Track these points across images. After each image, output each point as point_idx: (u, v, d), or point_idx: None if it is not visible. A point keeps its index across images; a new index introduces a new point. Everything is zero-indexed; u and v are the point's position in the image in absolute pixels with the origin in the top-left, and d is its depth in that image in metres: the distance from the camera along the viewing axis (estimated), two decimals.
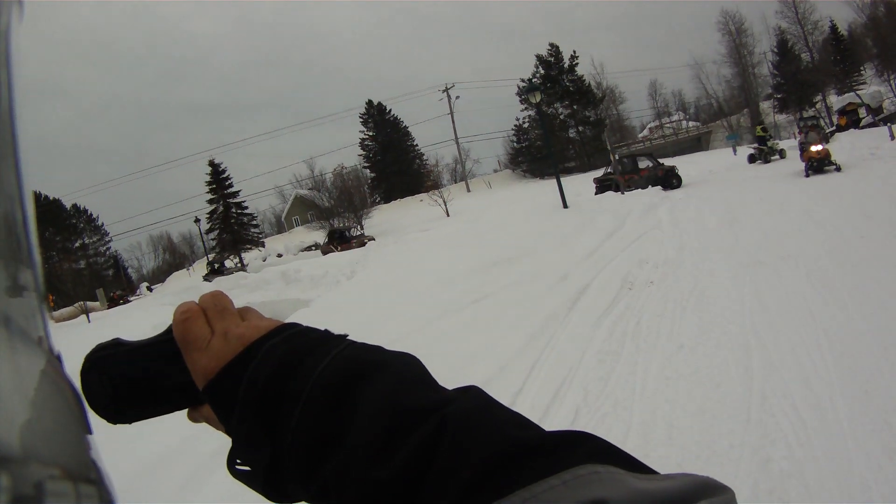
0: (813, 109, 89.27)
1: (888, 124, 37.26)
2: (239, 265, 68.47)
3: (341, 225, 57.93)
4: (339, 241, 52.35)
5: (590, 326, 10.16)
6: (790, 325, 8.49)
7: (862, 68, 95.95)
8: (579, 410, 7.03)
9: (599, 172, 48.38)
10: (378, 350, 0.80)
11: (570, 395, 7.54)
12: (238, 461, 0.76)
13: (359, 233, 51.44)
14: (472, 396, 0.68)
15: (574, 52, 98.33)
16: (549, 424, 6.69)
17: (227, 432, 0.78)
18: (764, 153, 40.11)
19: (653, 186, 34.38)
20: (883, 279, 9.59)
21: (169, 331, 0.85)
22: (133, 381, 0.84)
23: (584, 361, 8.62)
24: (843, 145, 31.60)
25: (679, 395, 6.94)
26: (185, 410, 0.87)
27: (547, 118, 76.65)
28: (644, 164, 38.92)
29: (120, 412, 0.86)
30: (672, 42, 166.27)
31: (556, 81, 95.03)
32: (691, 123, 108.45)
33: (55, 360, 1.01)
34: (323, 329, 0.86)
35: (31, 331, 0.95)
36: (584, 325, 10.33)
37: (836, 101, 69.82)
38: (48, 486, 0.75)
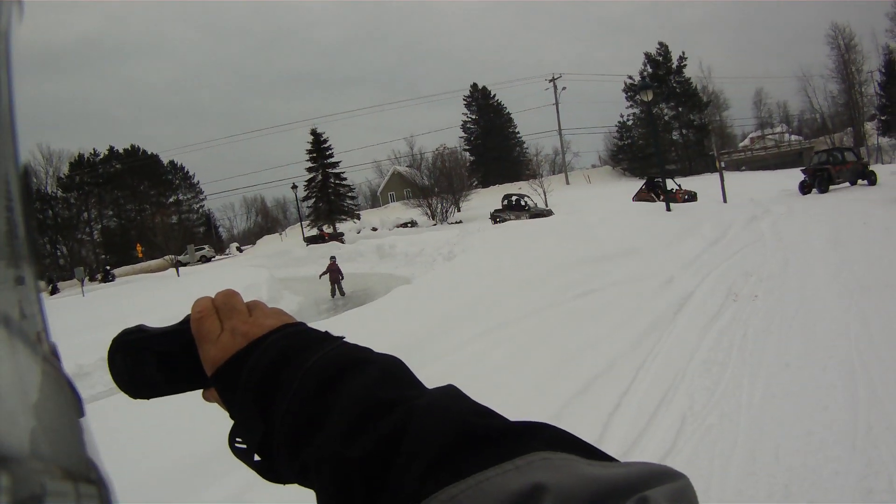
0: None
1: None
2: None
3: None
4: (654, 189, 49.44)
5: (696, 333, 10.21)
6: None
7: None
8: (685, 419, 7.09)
9: (700, 177, 48.15)
10: (366, 350, 0.91)
11: (678, 401, 7.61)
12: (237, 440, 0.88)
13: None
14: (444, 392, 0.79)
15: (683, 52, 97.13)
16: (655, 431, 6.81)
17: (230, 414, 0.89)
18: None
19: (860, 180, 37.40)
20: None
21: (186, 321, 0.98)
22: (153, 364, 0.96)
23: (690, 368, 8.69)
24: None
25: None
26: (200, 392, 0.99)
27: (654, 119, 76.05)
28: (850, 157, 39.36)
29: (140, 389, 0.98)
30: (781, 51, 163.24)
31: (663, 81, 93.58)
32: (793, 137, 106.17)
33: (55, 358, 1.07)
34: (323, 330, 0.97)
35: (31, 330, 1.00)
36: (690, 331, 10.38)
37: None
38: (48, 486, 0.78)
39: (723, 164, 41.42)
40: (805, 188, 37.30)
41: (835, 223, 20.61)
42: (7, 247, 0.95)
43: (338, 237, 63.13)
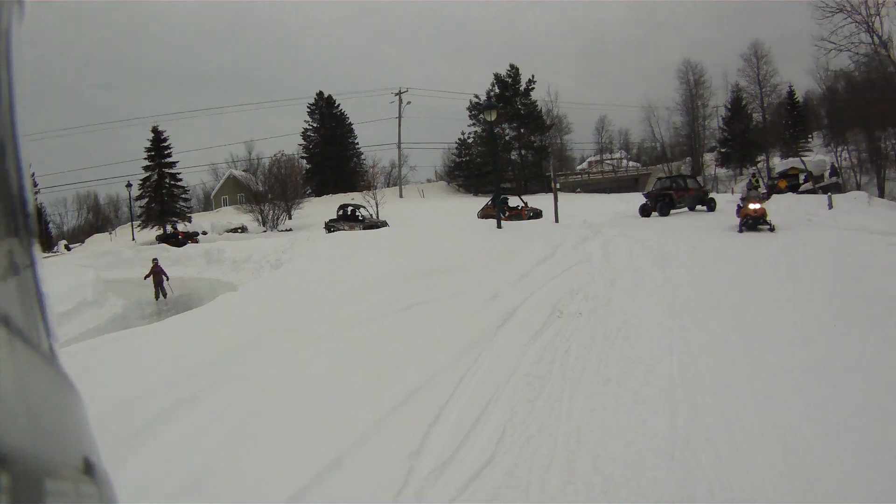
0: (754, 168, 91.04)
1: (828, 193, 38.30)
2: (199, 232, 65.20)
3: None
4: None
5: (518, 348, 10.23)
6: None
7: (810, 136, 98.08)
8: (505, 430, 7.09)
9: (535, 197, 48.97)
10: None
11: (496, 414, 7.59)
12: None
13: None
14: None
15: (532, 76, 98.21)
16: (475, 442, 6.78)
17: None
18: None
19: (699, 206, 39.94)
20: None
21: None
22: None
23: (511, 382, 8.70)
24: (779, 207, 32.08)
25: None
26: None
27: (495, 138, 76.91)
28: (692, 184, 41.67)
29: None
30: (630, 82, 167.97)
31: (509, 102, 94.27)
32: (631, 163, 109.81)
33: (55, 358, 1.06)
34: None
35: (31, 330, 0.98)
36: (513, 345, 10.40)
37: (779, 163, 70.97)
38: (48, 486, 0.78)
39: (558, 186, 42.24)
40: (645, 211, 39.06)
41: (664, 247, 21.23)
42: (6, 248, 0.95)
43: (192, 237, 61.23)
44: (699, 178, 60.03)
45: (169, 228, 70.18)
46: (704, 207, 39.85)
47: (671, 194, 39.11)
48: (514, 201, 47.97)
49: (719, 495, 5.59)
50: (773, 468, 6.01)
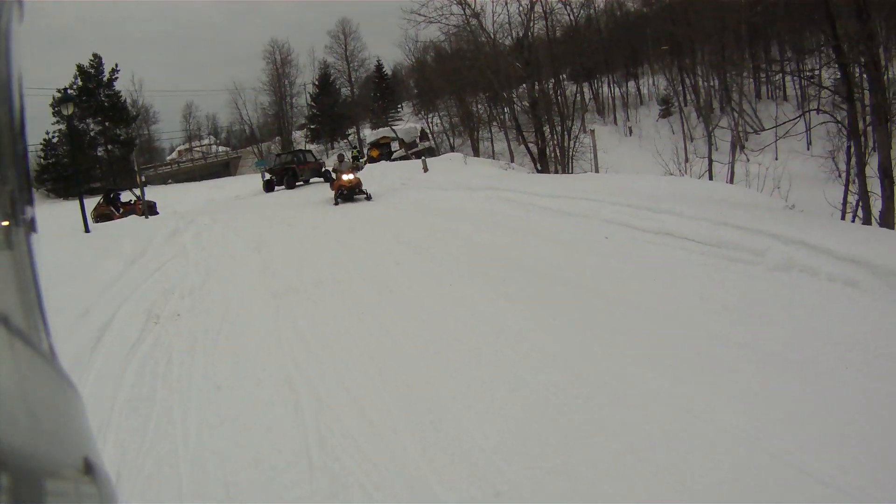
0: (346, 141, 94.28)
1: (422, 158, 40.24)
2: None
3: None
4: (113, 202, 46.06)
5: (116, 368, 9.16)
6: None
7: (400, 106, 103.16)
8: (121, 474, 6.11)
9: (127, 193, 47.42)
10: None
11: (107, 455, 6.48)
12: None
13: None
14: None
15: (116, 65, 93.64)
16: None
17: None
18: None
19: (315, 178, 44.59)
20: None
21: None
22: None
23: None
24: (373, 176, 32.94)
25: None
26: None
27: (78, 134, 73.39)
28: (310, 158, 47.65)
29: None
30: (218, 66, 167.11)
31: (92, 95, 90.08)
32: (221, 148, 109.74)
33: (55, 358, 1.08)
34: None
35: (31, 330, 1.00)
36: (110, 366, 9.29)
37: (370, 134, 73.74)
38: (48, 486, 0.78)
39: (143, 179, 41.31)
40: (270, 186, 43.36)
41: (260, 230, 21.02)
42: (6, 248, 0.98)
43: None
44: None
45: None
46: (321, 179, 43.40)
47: (294, 168, 43.25)
48: (126, 196, 46.98)
49: (376, 494, 5.19)
50: (426, 451, 5.73)
